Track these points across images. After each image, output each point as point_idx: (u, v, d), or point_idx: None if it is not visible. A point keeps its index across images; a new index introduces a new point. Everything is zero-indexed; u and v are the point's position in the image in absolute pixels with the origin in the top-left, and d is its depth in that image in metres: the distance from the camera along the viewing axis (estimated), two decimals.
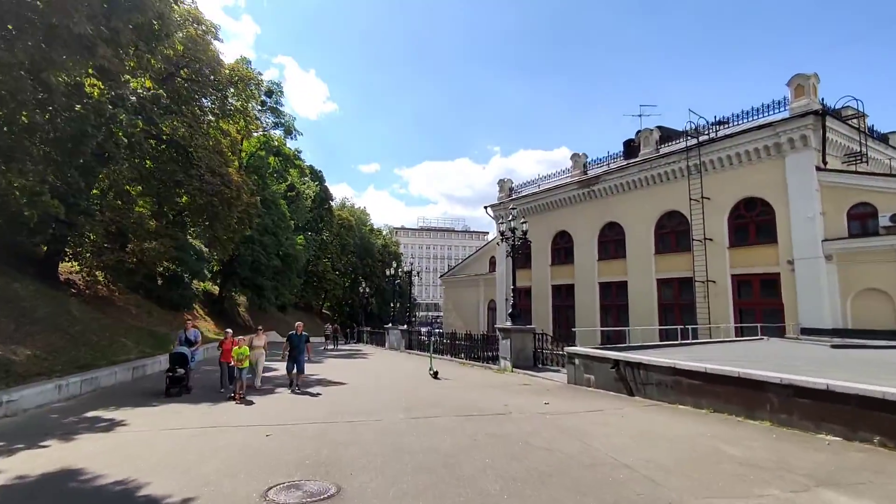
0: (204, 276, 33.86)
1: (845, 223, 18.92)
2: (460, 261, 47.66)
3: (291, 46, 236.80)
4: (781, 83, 24.02)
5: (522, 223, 16.75)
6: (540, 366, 15.86)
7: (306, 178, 51.25)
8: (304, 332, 12.60)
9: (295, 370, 11.96)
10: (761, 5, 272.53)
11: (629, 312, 26.19)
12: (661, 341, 24.83)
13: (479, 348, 18.89)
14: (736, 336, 19.87)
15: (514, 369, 15.22)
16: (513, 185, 36.67)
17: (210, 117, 24.58)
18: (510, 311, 16.16)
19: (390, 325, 30.96)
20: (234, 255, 32.19)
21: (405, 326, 28.09)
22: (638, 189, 26.36)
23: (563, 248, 31.18)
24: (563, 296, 30.55)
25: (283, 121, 41.01)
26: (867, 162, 21.02)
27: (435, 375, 14.17)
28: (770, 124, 20.52)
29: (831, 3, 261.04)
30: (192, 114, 22.02)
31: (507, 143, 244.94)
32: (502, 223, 36.87)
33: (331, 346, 34.30)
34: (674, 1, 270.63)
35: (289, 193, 45.32)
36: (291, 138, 42.01)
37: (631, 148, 28.79)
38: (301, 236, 44.72)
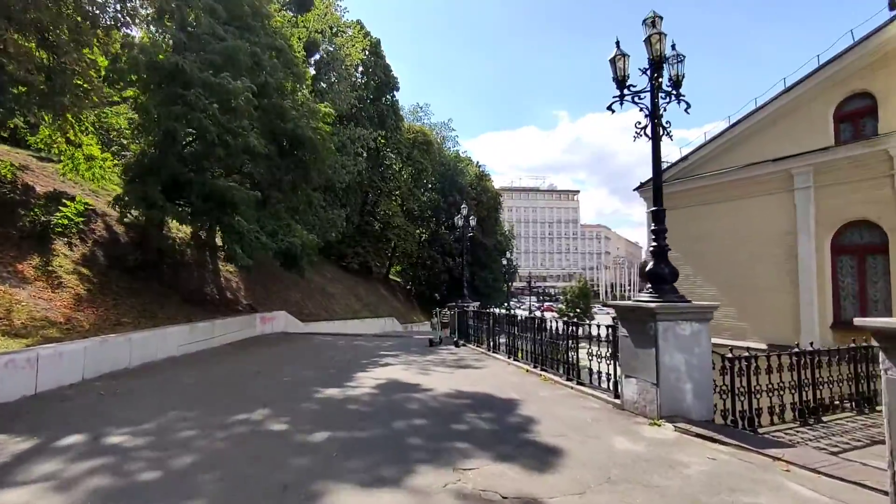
0: None
1: None
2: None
3: None
4: None
5: None
6: None
7: (345, 29, 28.02)
8: None
9: None
10: None
11: None
12: None
13: None
14: None
15: None
16: None
17: None
18: None
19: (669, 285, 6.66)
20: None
21: None
22: None
23: None
24: None
25: None
26: None
27: None
28: None
29: None
30: None
31: (574, 107, 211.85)
32: None
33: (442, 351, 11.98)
34: None
35: (310, 32, 22.50)
36: None
37: None
38: (327, 126, 21.73)
